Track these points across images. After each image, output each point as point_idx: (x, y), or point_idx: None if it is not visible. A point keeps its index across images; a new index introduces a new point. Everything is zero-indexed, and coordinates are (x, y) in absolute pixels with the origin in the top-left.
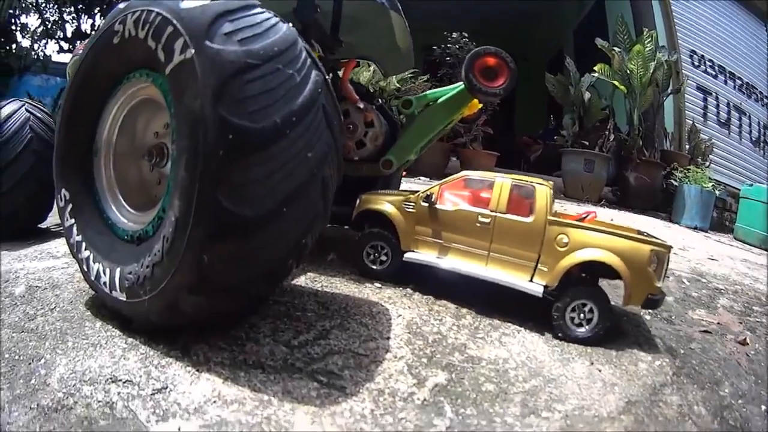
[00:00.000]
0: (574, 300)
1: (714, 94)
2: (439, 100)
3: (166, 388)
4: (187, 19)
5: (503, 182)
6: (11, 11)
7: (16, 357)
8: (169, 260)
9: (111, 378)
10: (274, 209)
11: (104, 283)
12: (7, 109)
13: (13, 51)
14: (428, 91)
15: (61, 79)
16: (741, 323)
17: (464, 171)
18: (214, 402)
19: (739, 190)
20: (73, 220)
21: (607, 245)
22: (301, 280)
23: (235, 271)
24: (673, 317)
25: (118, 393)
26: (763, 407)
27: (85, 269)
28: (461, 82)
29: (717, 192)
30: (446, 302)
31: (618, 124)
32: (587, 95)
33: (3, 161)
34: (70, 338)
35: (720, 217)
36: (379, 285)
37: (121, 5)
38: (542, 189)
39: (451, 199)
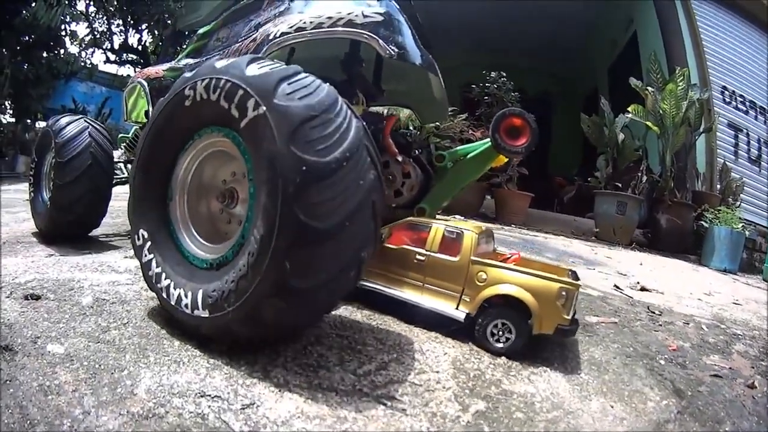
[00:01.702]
0: (495, 319)
1: (745, 130)
2: (469, 156)
3: (254, 404)
4: (254, 83)
5: (437, 227)
6: (62, 17)
7: (96, 366)
8: (254, 271)
9: (200, 393)
10: (340, 223)
11: (185, 305)
12: (67, 122)
13: (62, 56)
14: (459, 147)
15: (106, 89)
16: (753, 368)
17: (409, 217)
18: (299, 417)
19: None
20: (151, 256)
21: (519, 282)
22: (359, 317)
23: (310, 275)
24: (687, 362)
25: (209, 406)
26: None
27: (165, 296)
28: (488, 139)
29: (747, 233)
30: None
31: (650, 164)
32: (621, 136)
33: (62, 161)
34: (150, 353)
35: (750, 257)
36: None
37: (188, 74)
38: (468, 234)
39: (398, 238)
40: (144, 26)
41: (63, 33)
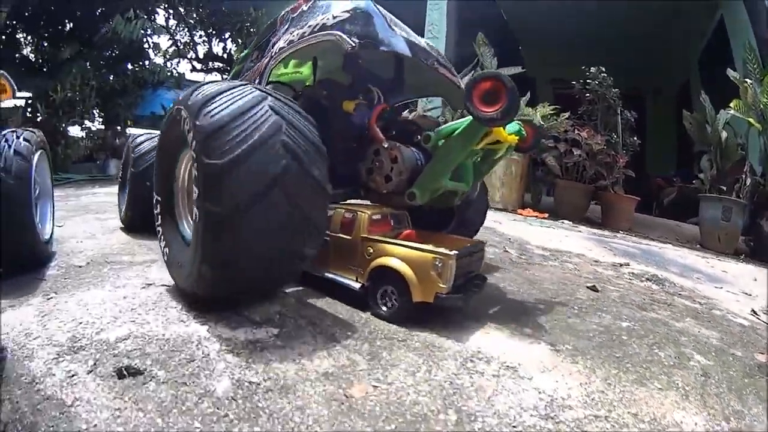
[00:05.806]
0: (381, 287)
1: None
2: (454, 134)
3: None
4: (189, 107)
5: (338, 210)
6: (143, 31)
7: None
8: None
9: None
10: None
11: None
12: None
13: (146, 67)
14: (444, 125)
15: None
16: None
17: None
18: None
19: None
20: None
21: (398, 254)
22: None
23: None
24: None
25: None
26: None
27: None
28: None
29: None
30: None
31: (752, 164)
32: (724, 134)
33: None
34: None
35: None
36: (531, 341)
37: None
38: (361, 215)
39: None
40: (227, 35)
41: (146, 46)
